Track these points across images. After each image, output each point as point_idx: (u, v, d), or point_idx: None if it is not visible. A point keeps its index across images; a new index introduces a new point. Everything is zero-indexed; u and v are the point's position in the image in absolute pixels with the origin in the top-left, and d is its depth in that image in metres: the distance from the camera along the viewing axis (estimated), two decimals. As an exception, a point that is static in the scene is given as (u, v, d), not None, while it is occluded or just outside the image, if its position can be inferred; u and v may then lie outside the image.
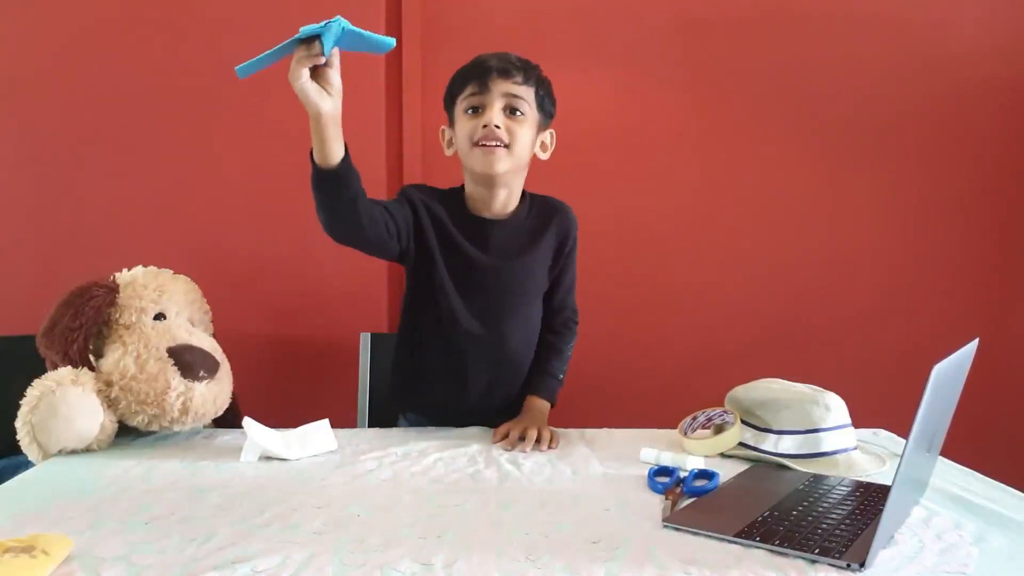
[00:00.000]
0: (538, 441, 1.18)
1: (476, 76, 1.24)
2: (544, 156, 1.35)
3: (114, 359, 1.17)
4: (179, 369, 1.18)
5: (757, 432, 1.13)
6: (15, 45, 1.86)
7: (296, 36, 0.94)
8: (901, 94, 2.03)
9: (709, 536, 0.79)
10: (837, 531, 0.79)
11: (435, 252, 1.28)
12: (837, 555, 0.73)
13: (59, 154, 1.88)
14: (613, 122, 2.04)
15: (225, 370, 1.28)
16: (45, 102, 1.87)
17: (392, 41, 1.00)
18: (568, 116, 2.05)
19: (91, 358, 1.21)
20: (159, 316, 1.26)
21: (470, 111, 1.25)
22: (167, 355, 1.18)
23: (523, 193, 1.36)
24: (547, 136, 1.34)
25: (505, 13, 2.02)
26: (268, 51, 0.95)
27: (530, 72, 1.27)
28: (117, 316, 1.23)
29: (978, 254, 2.05)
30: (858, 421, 1.17)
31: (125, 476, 1.02)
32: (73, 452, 1.12)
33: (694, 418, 1.21)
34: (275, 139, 1.88)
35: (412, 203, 1.29)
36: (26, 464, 1.11)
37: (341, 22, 0.94)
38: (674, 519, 0.84)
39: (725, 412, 1.18)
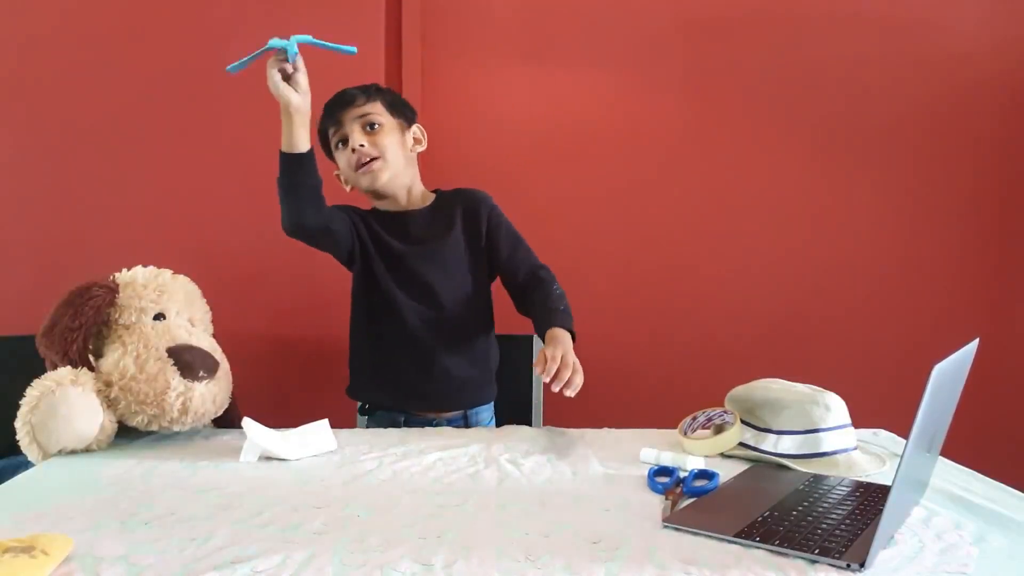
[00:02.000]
0: (563, 370, 1.19)
1: (330, 117, 1.41)
2: (421, 148, 1.49)
3: (114, 359, 1.17)
4: (179, 369, 1.18)
5: (757, 432, 1.13)
6: (15, 45, 1.86)
7: (267, 46, 1.18)
8: (901, 94, 2.03)
9: (709, 536, 0.79)
10: (837, 531, 0.79)
11: (369, 248, 1.42)
12: (837, 555, 0.72)
13: (59, 154, 1.88)
14: (613, 122, 2.04)
15: (225, 370, 1.28)
16: (45, 102, 1.87)
17: (353, 49, 1.21)
18: (568, 116, 2.07)
19: (91, 358, 1.21)
20: (159, 316, 1.26)
21: (339, 145, 1.42)
22: (167, 355, 1.18)
23: (437, 191, 1.51)
24: (416, 131, 1.48)
25: (505, 13, 2.03)
26: (249, 55, 1.19)
27: (369, 90, 1.42)
28: (117, 316, 1.23)
29: (978, 254, 2.05)
30: (858, 421, 1.17)
31: (125, 476, 1.02)
32: (73, 452, 1.12)
33: (694, 418, 1.21)
34: (275, 139, 1.88)
35: (343, 209, 1.44)
36: (26, 464, 1.11)
37: (297, 39, 1.19)
38: (674, 519, 0.84)
39: (725, 412, 1.18)
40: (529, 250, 1.48)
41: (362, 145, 1.37)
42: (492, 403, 1.51)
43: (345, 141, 1.39)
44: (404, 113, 1.45)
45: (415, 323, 1.40)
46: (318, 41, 1.19)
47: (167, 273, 1.32)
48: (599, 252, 2.06)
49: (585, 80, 2.03)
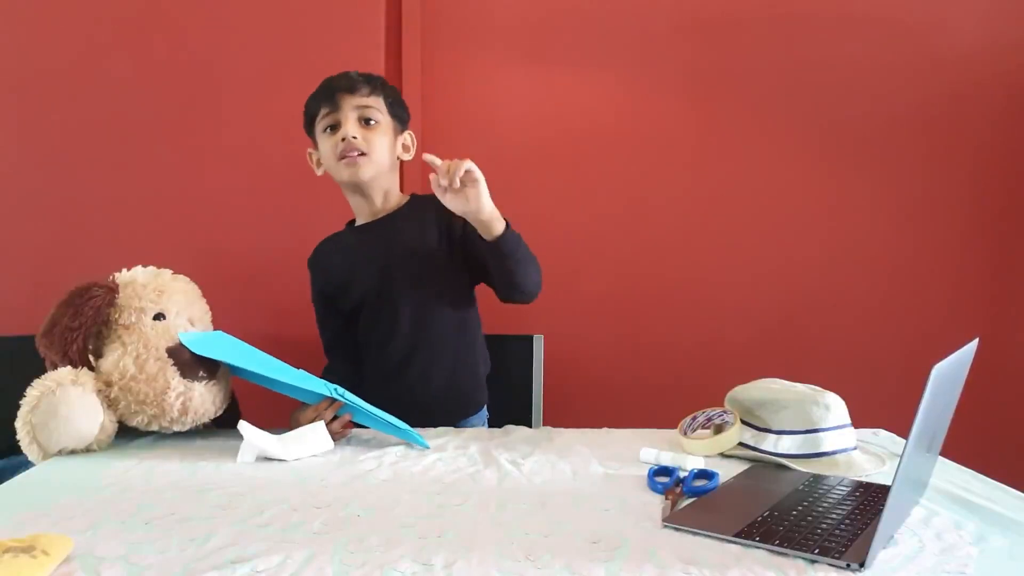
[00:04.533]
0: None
1: (327, 97, 1.34)
2: (407, 157, 1.45)
3: (114, 359, 1.17)
4: (179, 369, 1.18)
5: (757, 432, 1.13)
6: (16, 45, 1.86)
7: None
8: (901, 95, 2.03)
9: (709, 536, 0.79)
10: (837, 531, 0.79)
11: (346, 284, 1.42)
12: (837, 555, 0.72)
13: (59, 154, 1.88)
14: (613, 122, 2.04)
15: (225, 370, 1.28)
16: (45, 102, 1.87)
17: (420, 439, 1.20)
18: (568, 116, 2.07)
19: (91, 358, 1.21)
20: (159, 316, 1.25)
21: (328, 130, 1.35)
22: (166, 355, 1.18)
23: (412, 195, 1.47)
24: (406, 137, 1.45)
25: (505, 13, 2.03)
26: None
27: (375, 83, 1.37)
28: (117, 316, 1.23)
29: (978, 254, 2.05)
30: (858, 421, 1.17)
31: (125, 476, 1.02)
32: (73, 452, 1.12)
33: (694, 418, 1.21)
34: (275, 139, 1.88)
35: (315, 281, 1.48)
36: (26, 464, 1.11)
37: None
38: (674, 519, 0.84)
39: (725, 412, 1.18)
40: None
41: (355, 137, 1.32)
42: (484, 408, 1.49)
43: (336, 127, 1.34)
44: (401, 116, 1.42)
45: (395, 332, 1.38)
46: (382, 417, 1.18)
47: (167, 273, 1.32)
48: (599, 252, 2.06)
49: (585, 80, 2.03)
